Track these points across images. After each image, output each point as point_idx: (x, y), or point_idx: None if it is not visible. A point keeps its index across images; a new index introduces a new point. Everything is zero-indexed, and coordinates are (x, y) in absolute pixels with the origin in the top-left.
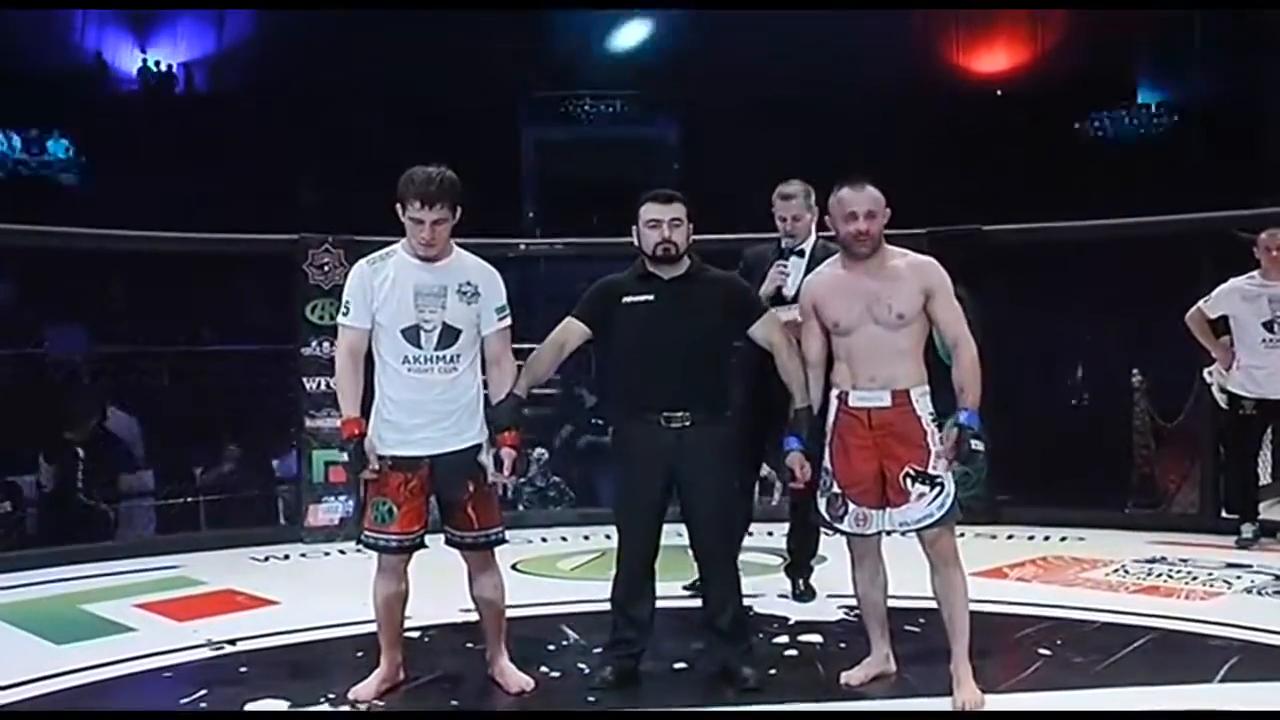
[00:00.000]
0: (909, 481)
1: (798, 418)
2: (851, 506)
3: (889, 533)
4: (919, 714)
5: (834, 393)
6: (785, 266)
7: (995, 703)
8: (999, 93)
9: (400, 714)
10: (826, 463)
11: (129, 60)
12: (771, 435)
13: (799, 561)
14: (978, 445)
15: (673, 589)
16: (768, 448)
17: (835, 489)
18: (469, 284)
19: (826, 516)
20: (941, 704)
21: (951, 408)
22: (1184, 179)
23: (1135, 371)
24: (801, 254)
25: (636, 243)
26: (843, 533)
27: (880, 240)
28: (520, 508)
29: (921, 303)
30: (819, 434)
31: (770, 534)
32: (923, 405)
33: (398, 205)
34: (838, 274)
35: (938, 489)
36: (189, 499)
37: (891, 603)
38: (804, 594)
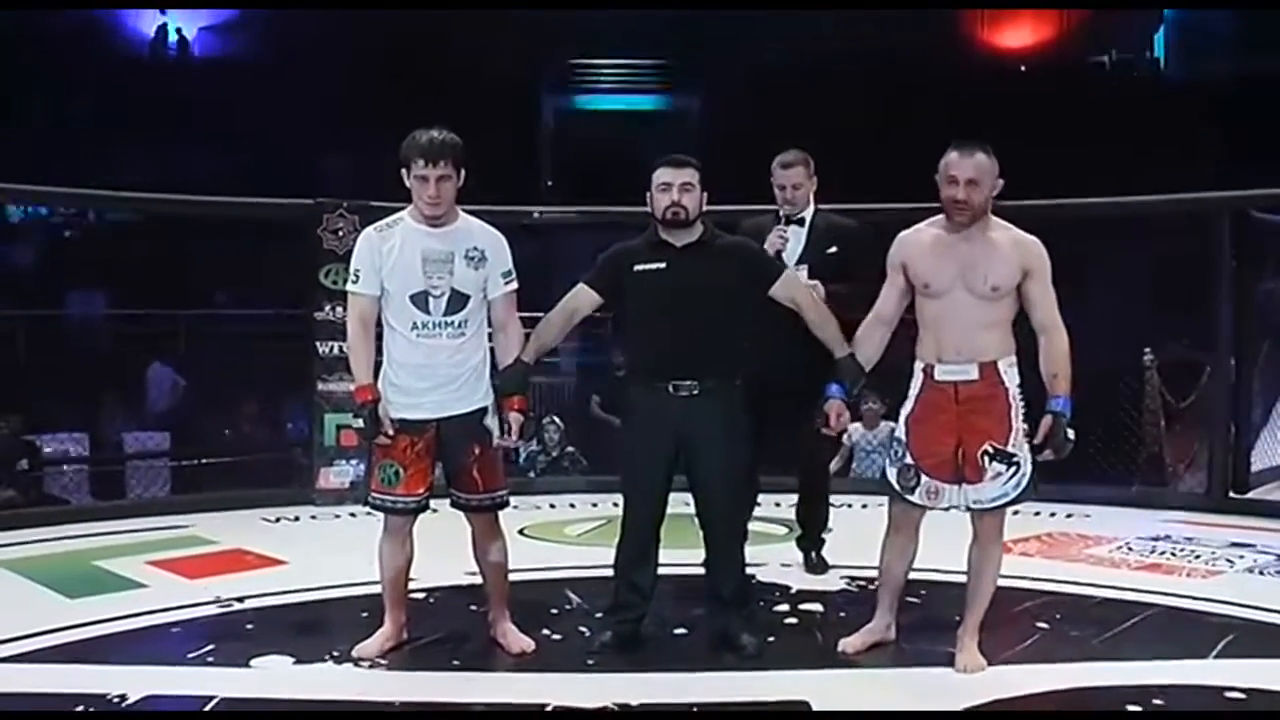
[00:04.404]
0: (987, 460)
1: (839, 366)
2: (924, 479)
3: (964, 509)
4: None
5: (918, 365)
6: (785, 232)
7: (991, 672)
8: (1022, 68)
9: (402, 676)
10: (900, 433)
11: (148, 25)
12: (774, 405)
13: (811, 533)
14: (1071, 434)
15: (676, 556)
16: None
17: (908, 460)
18: (476, 249)
19: (897, 487)
20: (939, 673)
21: None
22: (1203, 156)
23: (1147, 350)
24: (801, 223)
25: (650, 208)
26: (912, 504)
27: (983, 210)
28: (531, 475)
29: (1017, 280)
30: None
31: (778, 505)
32: (1010, 377)
33: (402, 170)
34: (935, 234)
35: (1014, 468)
36: (203, 460)
37: None
38: (817, 566)
